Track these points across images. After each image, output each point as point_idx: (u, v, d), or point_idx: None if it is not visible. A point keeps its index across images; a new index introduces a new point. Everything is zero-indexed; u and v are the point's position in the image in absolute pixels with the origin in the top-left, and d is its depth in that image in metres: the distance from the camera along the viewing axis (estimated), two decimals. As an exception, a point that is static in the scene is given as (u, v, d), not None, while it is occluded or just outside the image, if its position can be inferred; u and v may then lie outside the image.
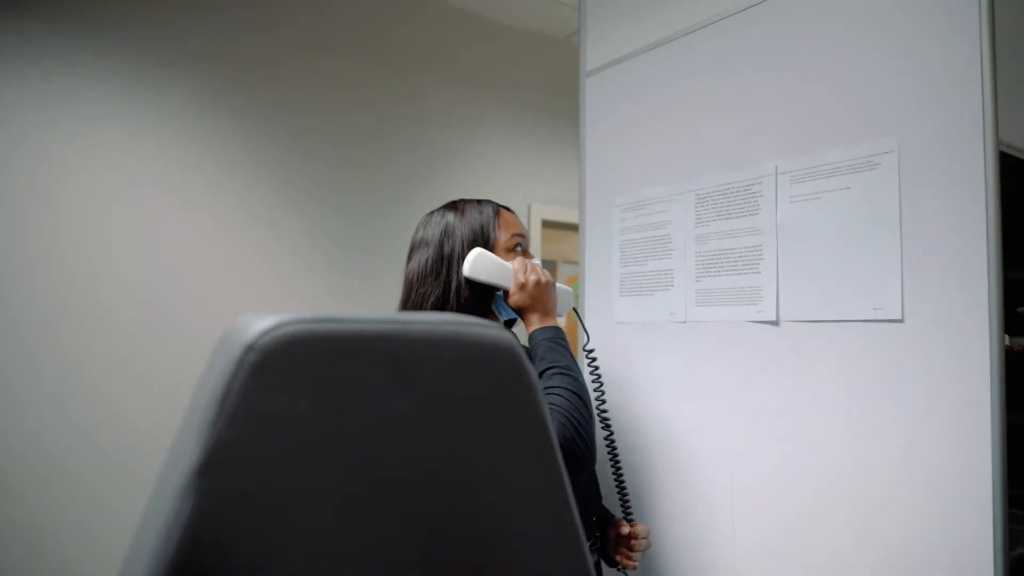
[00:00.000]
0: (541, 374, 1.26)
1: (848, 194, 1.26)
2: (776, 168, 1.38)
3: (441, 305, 1.35)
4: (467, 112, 3.26)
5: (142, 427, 2.41)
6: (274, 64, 2.78)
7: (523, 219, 3.37)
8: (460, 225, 1.40)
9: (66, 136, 2.38)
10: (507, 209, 1.46)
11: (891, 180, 1.20)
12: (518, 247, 1.41)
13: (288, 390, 0.47)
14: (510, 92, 3.37)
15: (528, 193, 3.32)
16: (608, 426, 1.44)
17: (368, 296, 2.82)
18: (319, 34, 2.90)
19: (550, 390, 1.21)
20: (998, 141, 1.09)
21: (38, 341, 2.30)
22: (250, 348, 0.45)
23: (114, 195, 2.45)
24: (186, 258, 2.56)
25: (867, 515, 1.21)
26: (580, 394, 1.21)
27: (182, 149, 2.58)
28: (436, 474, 0.56)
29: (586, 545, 0.66)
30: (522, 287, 1.34)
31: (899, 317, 1.18)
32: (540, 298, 1.34)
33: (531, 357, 1.31)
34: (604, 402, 1.44)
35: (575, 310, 1.50)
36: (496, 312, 1.39)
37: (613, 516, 1.49)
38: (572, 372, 1.24)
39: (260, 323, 0.46)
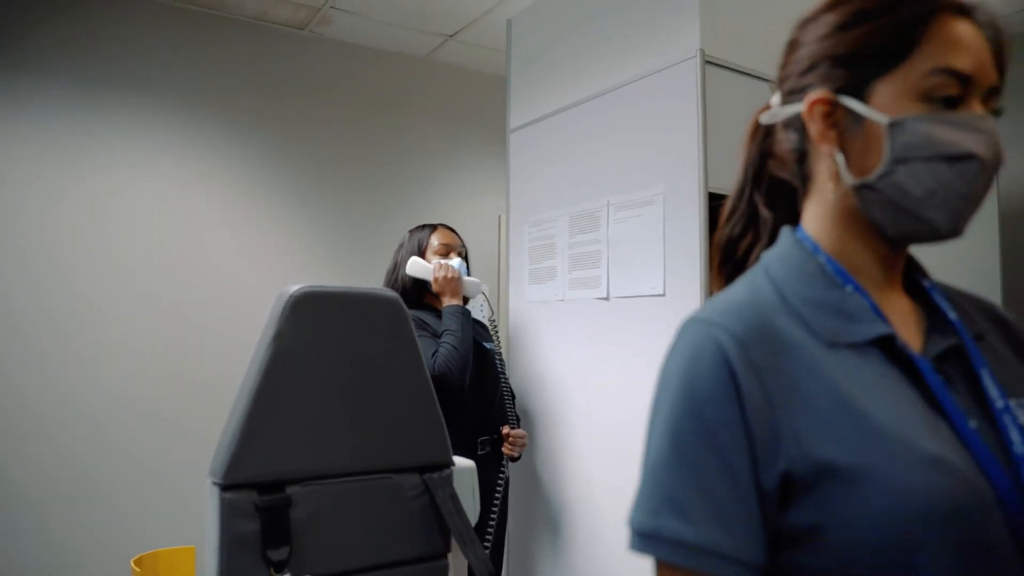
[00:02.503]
0: (443, 333, 2.13)
1: (641, 218, 2.09)
2: (608, 201, 2.21)
3: (399, 292, 2.22)
4: (444, 144, 4.12)
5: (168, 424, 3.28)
6: (294, 109, 3.66)
7: (494, 227, 4.21)
8: (408, 242, 2.32)
9: (136, 158, 3.28)
10: (446, 227, 2.34)
11: (659, 210, 2.02)
12: (448, 252, 2.28)
13: (301, 316, 1.33)
14: (480, 129, 4.21)
15: (496, 206, 4.16)
16: (503, 366, 2.30)
17: (348, 279, 3.67)
18: (320, 81, 3.78)
19: (442, 344, 2.09)
20: (707, 187, 1.92)
21: (97, 334, 3.19)
22: (292, 294, 1.31)
23: (169, 210, 3.35)
24: (223, 257, 3.46)
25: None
26: (456, 346, 2.09)
27: (219, 169, 3.48)
28: (363, 366, 1.41)
29: (441, 416, 1.51)
30: (436, 280, 2.21)
31: (662, 292, 2.00)
32: (448, 286, 2.22)
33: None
34: (500, 352, 2.31)
35: (484, 293, 2.35)
36: (435, 296, 2.27)
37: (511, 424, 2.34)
38: (456, 332, 2.12)
39: (294, 287, 1.32)
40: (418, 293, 2.33)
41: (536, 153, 2.58)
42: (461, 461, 1.58)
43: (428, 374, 1.52)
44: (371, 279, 3.10)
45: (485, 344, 2.36)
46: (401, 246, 2.39)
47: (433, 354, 2.14)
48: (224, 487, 1.30)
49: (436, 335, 2.21)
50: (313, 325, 1.37)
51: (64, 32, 3.17)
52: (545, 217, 2.48)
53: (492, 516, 2.16)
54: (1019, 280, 3.16)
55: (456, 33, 3.74)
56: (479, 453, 2.24)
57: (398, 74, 4.02)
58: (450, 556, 1.51)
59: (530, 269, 2.55)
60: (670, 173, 2.01)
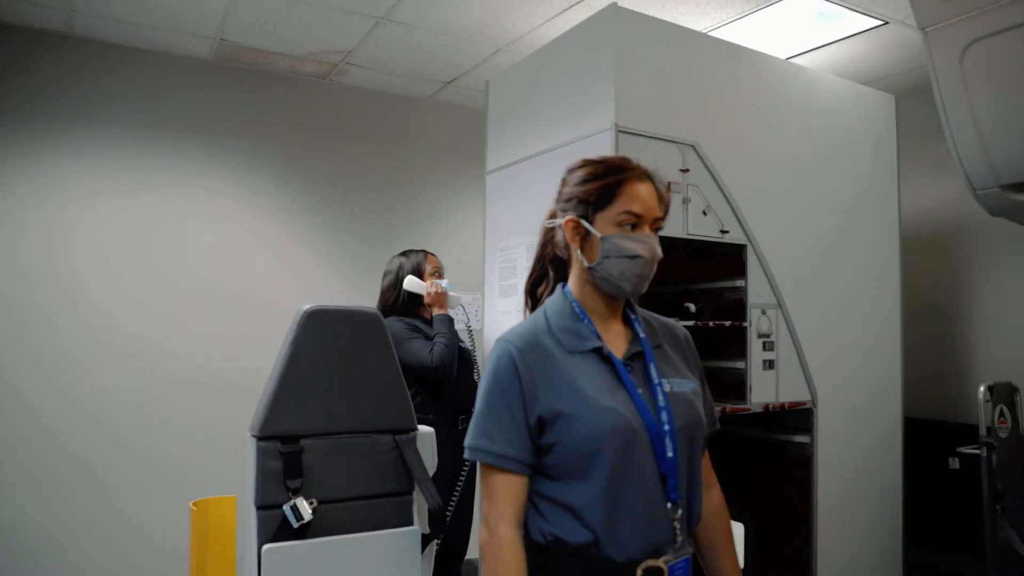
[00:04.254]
0: (434, 335, 2.78)
1: (575, 249, 2.72)
2: (553, 235, 2.84)
3: (395, 303, 2.89)
4: (444, 174, 4.79)
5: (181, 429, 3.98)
6: (317, 144, 4.36)
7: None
8: (406, 263, 2.96)
9: (183, 188, 4.00)
10: (432, 254, 3.00)
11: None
12: (435, 273, 2.94)
13: (311, 326, 2.00)
14: (476, 160, 4.86)
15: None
16: (475, 361, 2.96)
17: (363, 288, 4.24)
18: (338, 121, 4.47)
19: (435, 343, 2.74)
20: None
21: (113, 342, 3.91)
22: (305, 311, 1.99)
23: (213, 230, 4.06)
24: (246, 267, 4.16)
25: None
26: (447, 345, 2.75)
27: (253, 194, 4.18)
28: (353, 359, 2.08)
29: (408, 395, 2.18)
30: (429, 295, 2.86)
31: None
32: (438, 300, 2.88)
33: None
34: (473, 350, 2.97)
35: (462, 306, 3.01)
36: (424, 308, 2.93)
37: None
38: (445, 335, 2.78)
39: (307, 306, 2.00)
40: (411, 305, 3.00)
41: (506, 192, 3.22)
42: (423, 428, 2.24)
43: (399, 366, 2.19)
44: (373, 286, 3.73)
45: (462, 344, 3.03)
46: (401, 267, 3.05)
47: (429, 351, 2.81)
48: (259, 438, 1.97)
49: (428, 337, 2.89)
50: (320, 332, 2.04)
51: (128, 86, 3.89)
52: (510, 244, 3.12)
53: (461, 476, 2.82)
54: (914, 285, 3.75)
55: (453, 80, 4.40)
56: (460, 428, 2.91)
57: (404, 113, 4.69)
58: (414, 493, 2.17)
59: (500, 285, 3.20)
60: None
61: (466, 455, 1.32)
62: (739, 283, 2.92)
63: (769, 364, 2.96)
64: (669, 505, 1.26)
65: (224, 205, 4.13)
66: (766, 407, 2.93)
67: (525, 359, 1.29)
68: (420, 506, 2.18)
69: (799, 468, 3.15)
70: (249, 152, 4.20)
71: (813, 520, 3.10)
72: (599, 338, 1.34)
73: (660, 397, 1.30)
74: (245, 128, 4.19)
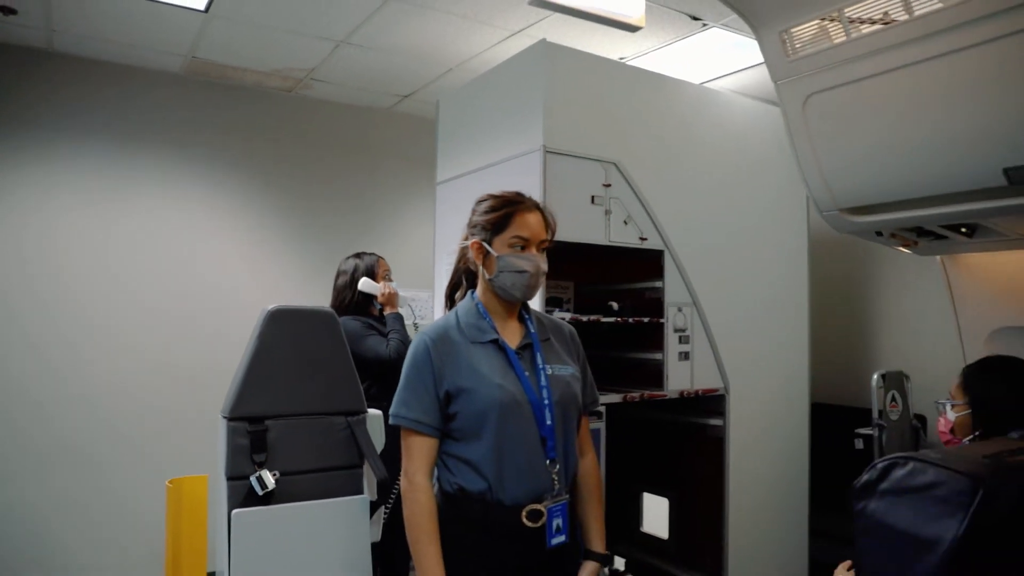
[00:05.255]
0: (389, 332, 3.13)
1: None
2: (492, 241, 3.21)
3: (350, 302, 3.24)
4: (403, 180, 5.13)
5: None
6: (284, 153, 4.68)
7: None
8: (360, 265, 3.30)
9: (156, 194, 4.30)
10: (382, 257, 3.34)
11: (520, 250, 3.03)
12: (386, 275, 3.29)
13: (274, 323, 2.35)
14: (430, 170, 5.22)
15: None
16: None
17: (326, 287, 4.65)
18: (303, 131, 4.79)
19: (391, 339, 3.09)
20: (547, 238, 2.91)
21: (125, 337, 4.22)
22: (269, 310, 2.33)
23: (182, 235, 4.37)
24: (216, 270, 4.48)
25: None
26: (402, 340, 3.09)
27: (222, 201, 4.49)
28: (310, 352, 2.44)
29: (359, 382, 2.53)
30: (383, 295, 3.22)
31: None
32: (391, 300, 3.22)
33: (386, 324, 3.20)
34: None
35: (409, 305, 3.37)
36: (375, 306, 3.27)
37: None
38: (399, 331, 3.13)
39: (271, 306, 2.35)
40: (364, 304, 3.34)
41: (454, 201, 3.58)
42: (372, 410, 2.59)
43: (351, 357, 2.54)
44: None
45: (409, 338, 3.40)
46: (355, 268, 3.37)
47: (386, 346, 3.16)
48: (229, 419, 2.31)
49: (383, 334, 3.24)
50: (281, 328, 2.38)
51: (104, 98, 4.19)
52: (455, 250, 3.48)
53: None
54: (822, 284, 4.18)
55: (411, 94, 4.74)
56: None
57: (365, 123, 5.03)
58: (363, 467, 2.52)
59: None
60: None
61: (390, 421, 1.68)
62: (657, 284, 3.31)
63: (684, 355, 3.35)
64: (548, 462, 1.64)
65: (195, 210, 4.44)
66: (681, 393, 3.32)
67: (436, 347, 1.66)
68: (369, 478, 2.54)
69: (714, 448, 3.55)
70: (218, 161, 4.51)
71: (725, 494, 3.51)
72: (496, 332, 1.71)
73: (543, 378, 1.68)
74: (214, 138, 4.50)
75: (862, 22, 1.95)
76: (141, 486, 4.12)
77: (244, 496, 2.31)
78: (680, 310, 3.33)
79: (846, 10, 1.91)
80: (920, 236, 2.26)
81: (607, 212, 3.08)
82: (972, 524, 1.17)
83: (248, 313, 2.75)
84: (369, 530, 2.51)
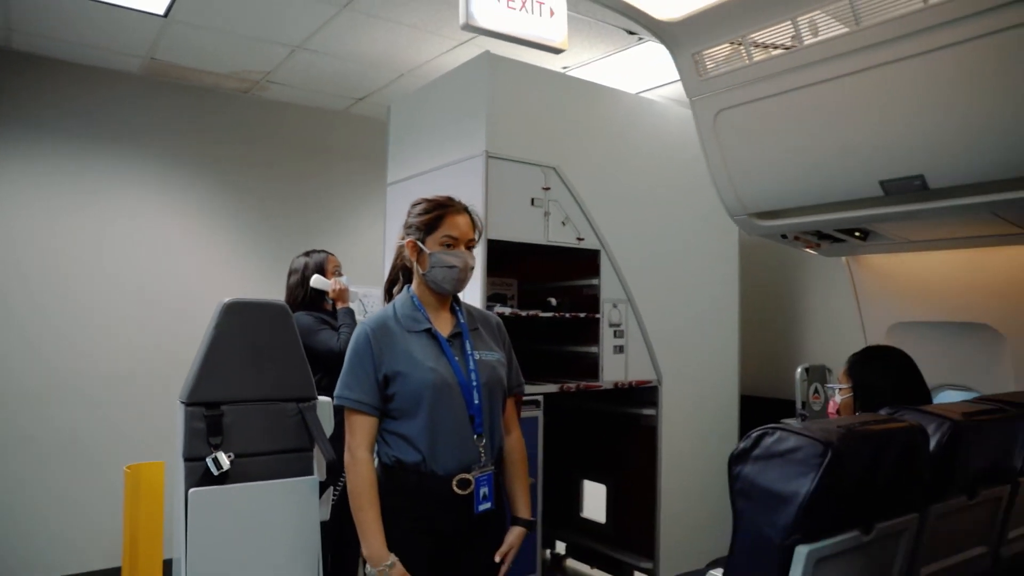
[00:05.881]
0: (340, 326, 3.30)
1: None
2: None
3: (302, 299, 3.39)
4: (353, 183, 5.29)
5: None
6: (242, 153, 4.80)
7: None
8: (310, 262, 3.45)
9: (118, 193, 4.40)
10: (332, 254, 3.50)
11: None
12: (336, 271, 3.45)
13: (230, 315, 2.52)
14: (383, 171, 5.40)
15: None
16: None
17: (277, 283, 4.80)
18: (260, 131, 4.92)
19: (342, 332, 3.26)
20: (488, 236, 3.11)
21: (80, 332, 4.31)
22: (225, 302, 2.50)
23: (144, 231, 4.47)
24: (178, 264, 4.59)
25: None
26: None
27: (182, 198, 4.61)
28: (263, 342, 2.60)
29: (309, 371, 2.70)
30: (334, 291, 3.38)
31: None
32: (342, 296, 3.39)
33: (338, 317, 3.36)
34: None
35: (360, 300, 3.53)
36: (327, 302, 3.44)
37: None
38: (350, 325, 3.29)
39: (227, 298, 2.51)
40: (316, 299, 3.49)
41: (404, 202, 3.72)
42: (322, 397, 2.76)
43: (302, 347, 2.70)
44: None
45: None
46: (306, 266, 3.53)
47: (337, 340, 3.32)
48: (187, 404, 2.46)
49: (334, 328, 3.40)
50: (237, 320, 2.54)
51: (62, 97, 4.27)
52: (406, 247, 3.66)
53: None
54: (752, 282, 4.46)
55: (365, 97, 4.90)
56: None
57: (321, 124, 5.18)
58: (314, 450, 2.69)
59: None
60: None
61: (334, 403, 1.87)
62: (594, 282, 3.54)
63: (619, 349, 3.58)
64: (475, 436, 1.85)
65: (151, 208, 4.54)
66: (616, 384, 3.55)
67: (376, 336, 1.85)
68: (319, 460, 2.71)
69: (648, 437, 3.79)
70: (175, 159, 4.62)
71: (658, 480, 3.75)
72: (429, 322, 1.90)
73: (471, 363, 1.88)
74: (171, 137, 4.61)
75: (766, 47, 2.19)
76: (98, 473, 4.22)
77: (200, 476, 2.46)
78: (615, 306, 3.56)
79: (749, 36, 2.14)
80: (821, 239, 2.51)
81: (546, 214, 3.29)
82: (822, 481, 1.40)
83: (203, 310, 2.89)
84: (319, 509, 2.68)
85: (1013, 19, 1.64)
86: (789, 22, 2.02)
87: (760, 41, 2.16)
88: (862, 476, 1.50)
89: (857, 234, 2.40)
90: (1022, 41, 1.66)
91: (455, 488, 1.82)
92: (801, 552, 1.41)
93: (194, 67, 4.36)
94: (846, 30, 1.96)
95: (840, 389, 2.19)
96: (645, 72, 4.28)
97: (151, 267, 4.52)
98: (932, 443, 1.70)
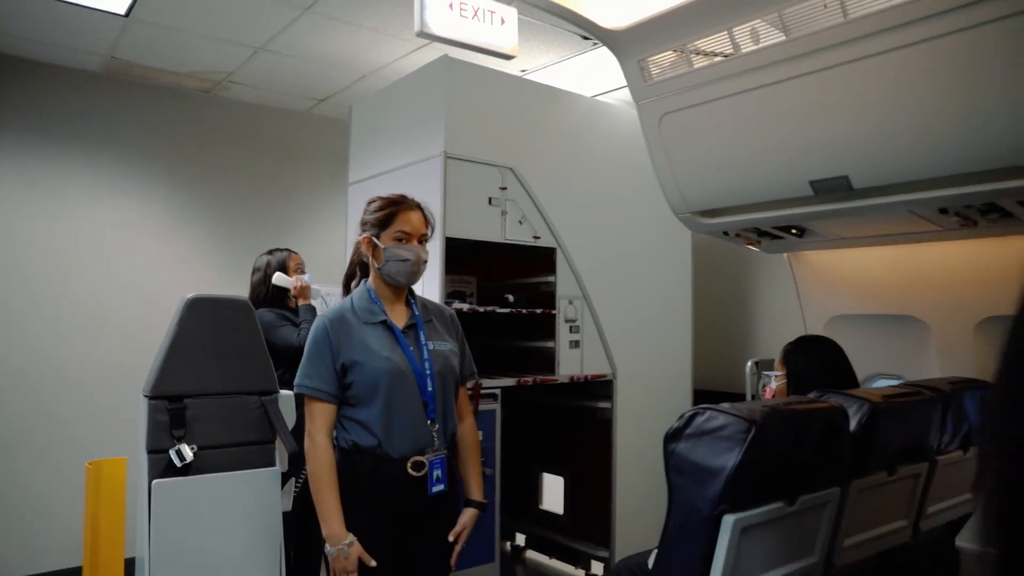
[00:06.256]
0: (301, 322, 3.37)
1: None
2: (400, 238, 3.49)
3: (264, 296, 3.46)
4: (316, 183, 5.35)
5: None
6: (202, 152, 4.83)
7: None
8: (272, 260, 3.52)
9: (82, 191, 4.41)
10: (295, 252, 3.57)
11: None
12: (298, 269, 3.52)
13: (193, 310, 2.58)
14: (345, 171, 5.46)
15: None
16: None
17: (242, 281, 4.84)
18: (222, 131, 4.95)
19: (302, 328, 3.33)
20: (446, 233, 3.21)
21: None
22: (188, 298, 2.56)
23: (106, 229, 4.48)
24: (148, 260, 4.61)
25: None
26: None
27: (144, 197, 4.63)
28: (226, 337, 2.67)
29: (272, 364, 2.78)
30: (296, 288, 3.45)
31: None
32: (303, 293, 3.46)
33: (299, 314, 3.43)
34: None
35: (322, 297, 3.60)
36: (291, 299, 3.50)
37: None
38: (310, 321, 3.35)
39: (190, 294, 2.57)
40: (279, 297, 3.56)
41: (364, 203, 3.83)
42: (284, 391, 2.84)
43: (264, 342, 2.77)
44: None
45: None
46: (268, 264, 3.60)
47: (297, 335, 3.39)
48: (150, 398, 2.52)
49: (295, 324, 3.46)
50: (200, 315, 2.60)
51: (23, 94, 4.27)
52: (367, 246, 3.74)
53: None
54: (705, 280, 4.62)
55: (327, 97, 4.97)
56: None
57: (283, 125, 5.23)
58: (276, 442, 2.76)
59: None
60: (430, 224, 3.30)
61: (295, 391, 1.95)
62: (551, 279, 3.65)
63: (575, 344, 3.70)
64: (429, 421, 1.94)
65: (115, 206, 4.55)
66: (571, 378, 3.67)
67: (334, 327, 1.94)
68: (280, 452, 2.78)
69: (603, 429, 3.92)
70: (137, 158, 4.64)
71: (613, 472, 3.87)
72: (385, 314, 2.00)
73: (425, 352, 1.98)
74: (133, 136, 4.62)
75: (706, 54, 2.32)
76: (59, 471, 4.21)
77: (164, 468, 2.52)
78: (571, 303, 3.68)
79: (691, 44, 2.27)
80: (761, 236, 2.65)
81: (503, 213, 3.40)
82: (746, 455, 1.52)
83: (165, 308, 2.94)
84: (280, 500, 2.75)
85: (923, 34, 1.79)
86: (726, 32, 2.16)
87: (701, 49, 2.29)
88: (785, 452, 1.62)
89: (794, 231, 2.55)
90: (932, 55, 1.81)
91: (409, 470, 1.92)
92: (728, 521, 1.53)
93: (155, 66, 4.39)
94: (779, 40, 2.10)
95: (776, 376, 2.33)
96: (601, 76, 4.41)
97: (110, 264, 4.53)
98: (853, 423, 1.84)
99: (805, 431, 1.67)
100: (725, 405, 1.65)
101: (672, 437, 1.66)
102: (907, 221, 2.21)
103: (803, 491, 1.70)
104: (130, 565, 3.06)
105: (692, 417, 1.64)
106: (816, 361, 2.24)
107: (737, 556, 1.56)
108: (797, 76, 2.07)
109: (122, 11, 3.62)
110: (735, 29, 2.14)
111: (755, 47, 2.15)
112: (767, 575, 1.68)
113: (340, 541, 1.86)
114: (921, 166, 1.93)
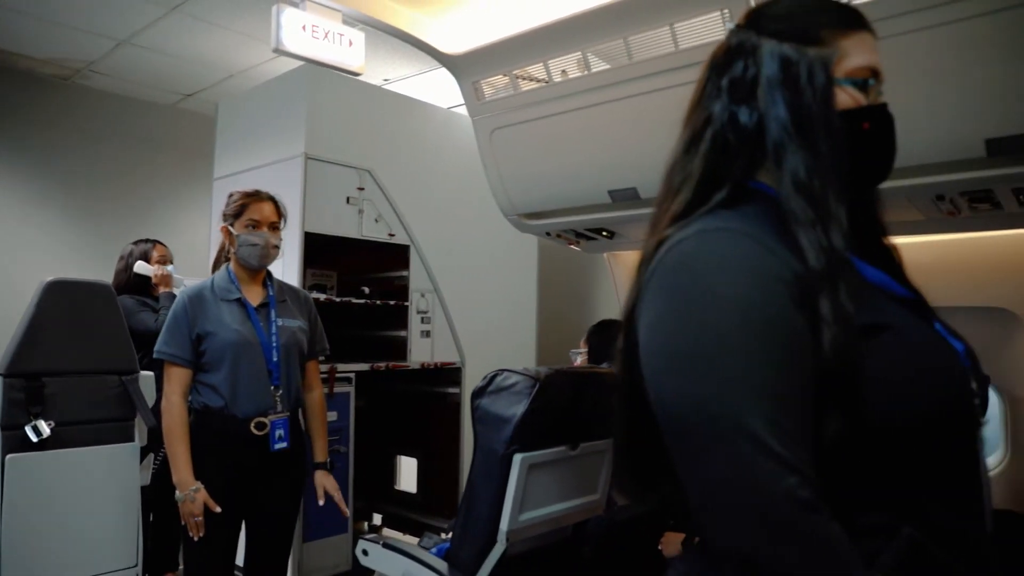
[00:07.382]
0: (160, 308, 3.53)
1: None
2: (261, 232, 3.71)
3: (125, 283, 3.59)
4: (182, 176, 5.43)
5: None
6: (62, 141, 4.83)
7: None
8: (135, 250, 3.66)
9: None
10: (162, 244, 3.73)
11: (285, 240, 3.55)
12: (162, 259, 3.68)
13: (52, 292, 2.73)
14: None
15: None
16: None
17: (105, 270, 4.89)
18: (83, 120, 4.97)
19: (161, 314, 3.49)
20: (304, 228, 3.47)
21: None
22: (47, 281, 2.71)
23: None
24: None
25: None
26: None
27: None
28: (86, 318, 2.83)
29: (132, 345, 2.96)
30: (157, 277, 3.61)
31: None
32: (164, 281, 3.62)
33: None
34: None
35: (185, 286, 3.76)
36: (153, 288, 3.66)
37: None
38: (167, 309, 3.50)
39: (50, 277, 2.72)
40: (143, 285, 3.70)
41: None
42: (144, 372, 3.01)
43: (126, 325, 2.95)
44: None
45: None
46: (131, 253, 3.73)
47: (155, 321, 3.53)
48: (5, 376, 2.65)
49: (155, 310, 3.61)
50: (59, 297, 2.75)
51: None
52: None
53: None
54: (550, 274, 5.08)
55: (194, 94, 5.08)
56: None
57: (148, 117, 5.29)
58: (136, 419, 2.94)
59: (222, 270, 3.99)
60: (292, 218, 3.54)
61: (155, 356, 2.19)
62: (404, 273, 3.98)
63: (426, 333, 4.04)
64: (273, 387, 2.23)
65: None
66: (423, 365, 4.01)
67: (191, 302, 2.20)
68: (140, 428, 2.96)
69: (452, 414, 4.27)
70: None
71: (461, 453, 4.23)
72: (241, 292, 2.27)
73: (274, 327, 2.27)
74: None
75: (528, 79, 2.72)
76: None
77: (19, 444, 2.64)
78: (423, 295, 4.01)
79: (515, 71, 2.67)
80: (578, 237, 3.08)
81: (360, 211, 3.69)
82: (531, 405, 1.91)
83: (21, 294, 3.04)
84: (139, 474, 2.93)
85: (684, 79, 2.25)
86: (542, 64, 2.56)
87: (524, 75, 2.69)
88: (567, 405, 2.03)
89: (604, 233, 2.99)
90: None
91: (253, 429, 2.20)
92: (517, 459, 1.91)
93: (8, 49, 4.37)
94: (583, 74, 2.53)
95: (580, 353, 2.76)
96: (457, 89, 4.77)
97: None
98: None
99: (584, 389, 2.08)
100: (520, 367, 2.03)
101: (477, 394, 2.03)
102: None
103: (584, 439, 2.11)
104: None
105: (493, 377, 2.01)
106: (611, 339, 2.68)
107: (526, 489, 1.95)
108: (598, 104, 2.50)
109: (-21, -1, 3.65)
110: (550, 62, 2.55)
111: (565, 77, 2.57)
112: (556, 505, 2.08)
113: (188, 487, 2.12)
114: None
